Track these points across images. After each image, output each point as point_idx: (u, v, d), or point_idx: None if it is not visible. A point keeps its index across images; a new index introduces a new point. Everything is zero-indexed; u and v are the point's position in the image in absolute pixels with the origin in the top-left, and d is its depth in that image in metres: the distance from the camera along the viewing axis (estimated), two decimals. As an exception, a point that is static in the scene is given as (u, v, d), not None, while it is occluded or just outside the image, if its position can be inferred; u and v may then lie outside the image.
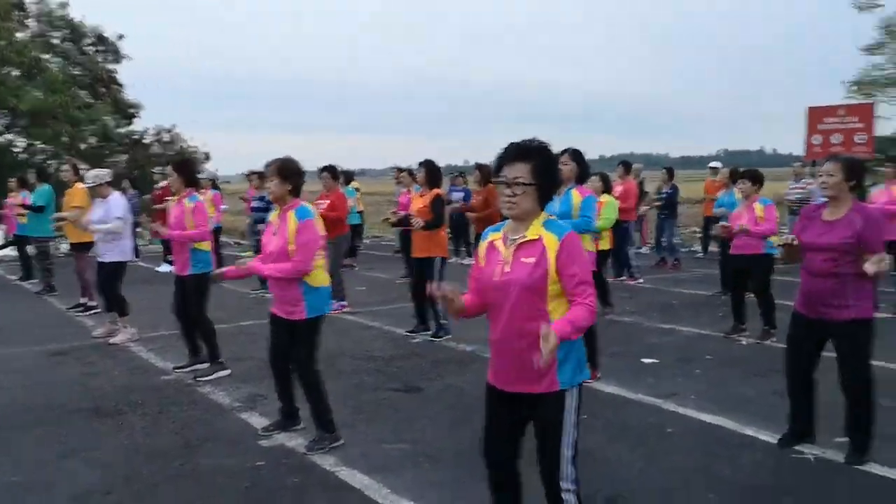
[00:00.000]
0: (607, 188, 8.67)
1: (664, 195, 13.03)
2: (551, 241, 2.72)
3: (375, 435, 4.72)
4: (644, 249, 15.03)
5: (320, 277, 4.50)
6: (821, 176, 4.26)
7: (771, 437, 4.55)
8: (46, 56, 23.10)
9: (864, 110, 13.88)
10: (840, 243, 4.09)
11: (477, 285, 2.93)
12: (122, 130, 24.78)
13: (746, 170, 7.11)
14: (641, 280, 11.19)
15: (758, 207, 6.93)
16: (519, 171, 2.72)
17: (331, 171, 8.97)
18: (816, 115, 14.08)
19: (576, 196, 5.76)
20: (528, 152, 2.73)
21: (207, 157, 26.58)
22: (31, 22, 23.36)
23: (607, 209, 8.39)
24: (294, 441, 4.58)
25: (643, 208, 13.87)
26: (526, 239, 2.76)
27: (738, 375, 5.95)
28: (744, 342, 7.15)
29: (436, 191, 7.40)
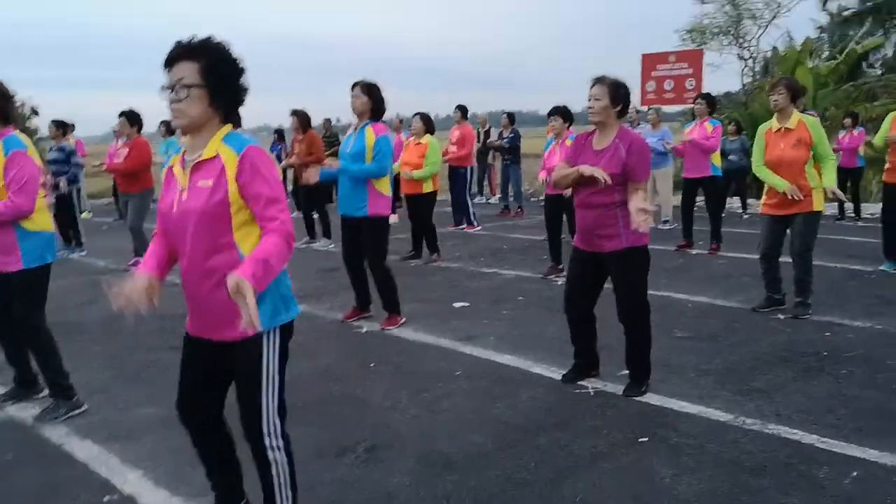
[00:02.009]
0: (430, 129, 8.36)
1: (506, 140, 12.92)
2: (230, 158, 2.29)
3: (129, 399, 4.23)
4: (494, 199, 15.00)
5: (41, 221, 3.85)
6: (588, 100, 4.04)
7: (559, 374, 4.42)
8: None
9: (694, 56, 14.29)
10: (605, 171, 3.90)
11: (160, 223, 2.49)
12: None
13: (556, 107, 6.97)
14: (479, 227, 11.06)
15: (568, 143, 6.86)
16: (184, 70, 2.27)
17: (128, 115, 8.13)
18: (649, 62, 14.36)
19: (370, 134, 5.37)
20: (194, 49, 2.27)
21: (35, 111, 24.40)
22: None
23: (431, 152, 8.14)
24: (28, 412, 4.02)
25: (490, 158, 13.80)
26: (202, 158, 2.33)
27: (545, 315, 5.83)
28: (559, 282, 7.09)
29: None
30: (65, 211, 9.20)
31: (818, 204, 5.49)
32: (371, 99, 5.38)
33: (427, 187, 8.25)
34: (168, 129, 11.69)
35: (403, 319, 5.66)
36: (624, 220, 3.97)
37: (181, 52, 2.27)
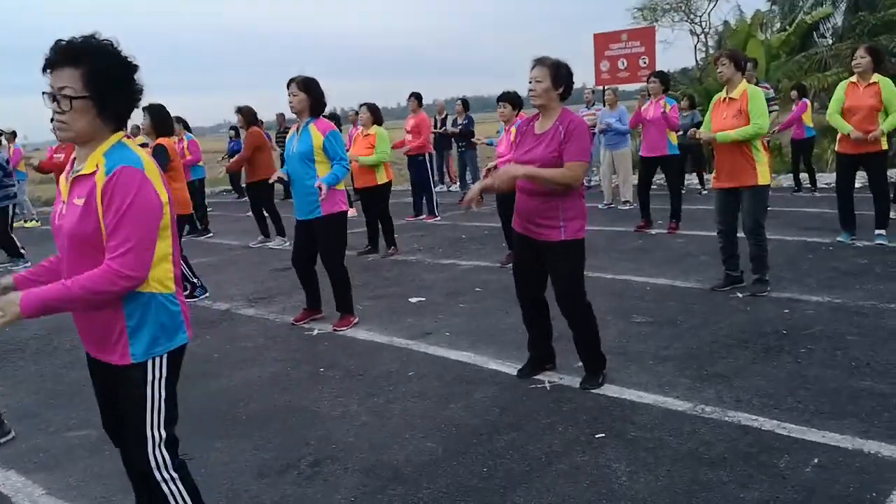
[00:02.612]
0: (377, 119, 8.14)
1: (460, 126, 12.74)
2: (101, 177, 2.05)
3: (61, 423, 3.99)
4: (455, 187, 14.83)
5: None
6: (529, 82, 3.86)
7: (516, 369, 4.27)
8: None
9: (646, 34, 14.20)
10: (544, 157, 3.74)
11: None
12: None
13: (504, 93, 6.80)
14: (438, 218, 10.88)
15: (513, 132, 6.75)
16: (65, 78, 2.03)
17: None
18: (602, 42, 14.24)
19: (315, 133, 5.14)
20: (75, 52, 2.03)
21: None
22: None
23: (379, 142, 7.94)
24: (-49, 443, 3.76)
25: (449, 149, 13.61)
26: (81, 172, 2.11)
27: (503, 306, 5.68)
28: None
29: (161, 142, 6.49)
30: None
31: (763, 178, 5.41)
32: (309, 95, 5.14)
33: (380, 179, 8.05)
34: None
35: (356, 319, 5.48)
36: (566, 212, 3.80)
37: (61, 57, 2.03)
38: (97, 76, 2.03)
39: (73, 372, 4.80)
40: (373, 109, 8.11)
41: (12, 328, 5.92)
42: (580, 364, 4.15)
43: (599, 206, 10.90)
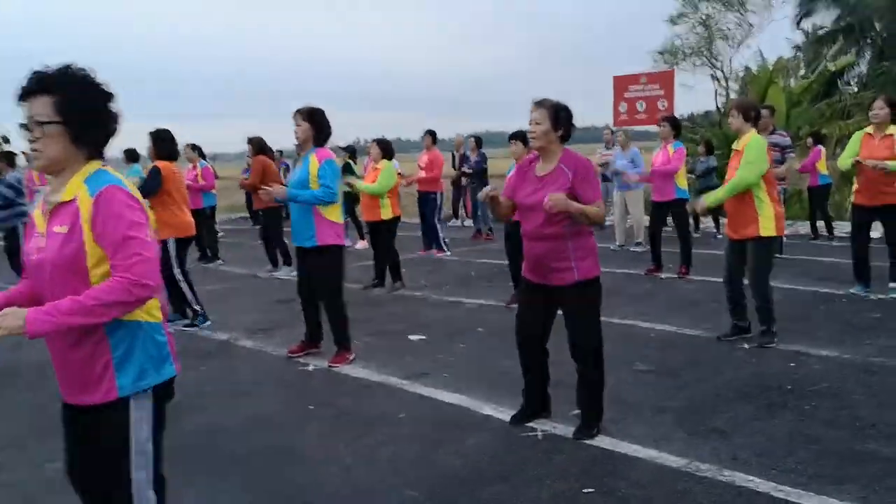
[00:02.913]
0: (387, 154, 8.16)
1: (471, 165, 12.77)
2: (85, 201, 2.04)
3: (46, 455, 3.91)
4: (469, 222, 14.80)
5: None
6: (529, 124, 3.82)
7: (510, 415, 4.17)
8: None
9: (665, 77, 14.21)
10: None
11: (25, 270, 2.24)
12: None
13: (516, 132, 6.78)
14: (449, 253, 10.83)
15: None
16: (38, 107, 2.03)
17: None
18: (621, 84, 14.27)
19: (313, 161, 5.14)
20: (49, 81, 2.02)
21: (6, 139, 24.05)
22: None
23: (383, 175, 7.97)
24: (-71, 470, 3.71)
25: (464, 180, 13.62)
26: (60, 201, 2.08)
27: (502, 348, 5.53)
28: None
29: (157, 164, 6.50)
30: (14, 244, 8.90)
31: (766, 229, 5.30)
32: (312, 125, 5.16)
33: (384, 214, 8.05)
34: (130, 156, 11.46)
35: (352, 356, 5.40)
36: (576, 252, 3.76)
37: (35, 86, 2.02)
38: (69, 103, 2.03)
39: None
40: (382, 145, 8.19)
41: (13, 354, 5.91)
42: (576, 412, 4.04)
43: (611, 248, 10.81)
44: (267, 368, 5.33)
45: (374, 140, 8.32)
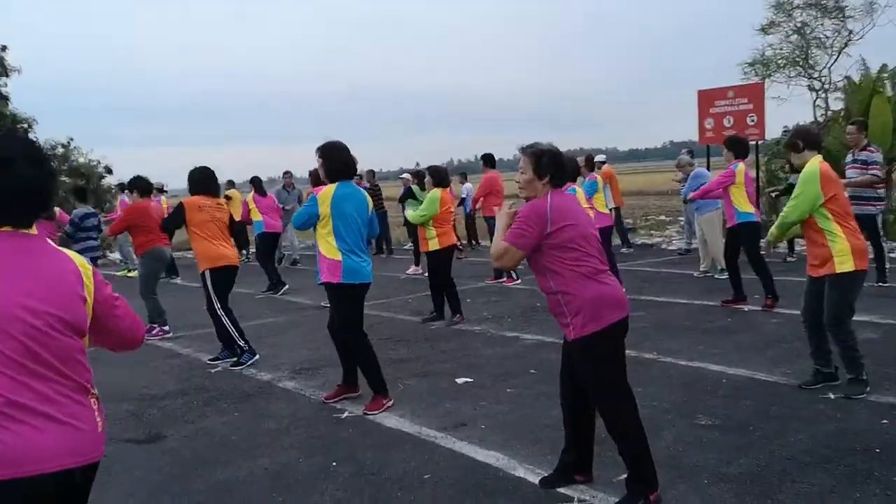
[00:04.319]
0: (439, 182, 7.90)
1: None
2: None
3: None
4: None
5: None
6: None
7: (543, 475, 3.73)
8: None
9: (754, 91, 13.29)
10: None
11: None
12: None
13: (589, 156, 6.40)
14: (519, 281, 10.40)
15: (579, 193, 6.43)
16: None
17: (129, 182, 8.35)
18: (706, 98, 13.44)
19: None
20: None
21: (108, 170, 25.28)
22: None
23: (425, 204, 7.80)
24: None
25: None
26: None
27: (552, 394, 5.06)
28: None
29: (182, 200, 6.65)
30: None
31: (842, 265, 4.65)
32: (324, 161, 5.04)
33: (432, 245, 7.79)
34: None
35: (389, 402, 5.07)
36: (567, 305, 3.36)
37: None
38: None
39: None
40: (433, 173, 7.97)
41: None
42: (620, 478, 3.56)
43: (694, 274, 10.13)
44: (300, 415, 5.06)
45: (428, 167, 8.09)
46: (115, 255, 16.83)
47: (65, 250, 2.05)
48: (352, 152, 5.12)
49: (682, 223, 14.01)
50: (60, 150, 24.91)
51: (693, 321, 7.23)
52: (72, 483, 1.94)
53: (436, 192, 7.78)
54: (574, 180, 6.54)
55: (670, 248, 13.70)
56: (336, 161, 5.01)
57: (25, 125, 24.14)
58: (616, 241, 12.65)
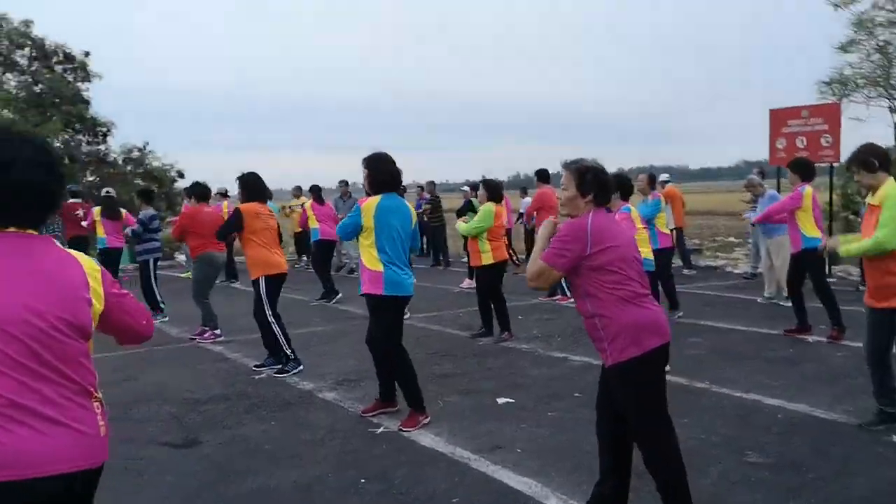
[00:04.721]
0: (493, 197, 7.80)
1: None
2: None
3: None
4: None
5: None
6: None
7: (578, 507, 3.58)
8: (8, 75, 22.83)
9: (830, 111, 12.73)
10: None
11: None
12: (90, 149, 24.36)
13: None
14: (572, 299, 10.16)
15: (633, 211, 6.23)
16: None
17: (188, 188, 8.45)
18: (779, 118, 12.96)
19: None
20: None
21: (181, 174, 26.03)
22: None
23: (478, 217, 7.70)
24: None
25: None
26: None
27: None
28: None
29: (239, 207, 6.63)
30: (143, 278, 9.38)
31: None
32: (369, 172, 5.00)
33: (485, 259, 7.67)
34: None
35: (425, 419, 4.97)
36: (605, 329, 3.21)
37: None
38: None
39: (129, 448, 4.63)
40: (488, 187, 7.88)
41: (110, 389, 6.00)
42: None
43: (759, 300, 9.72)
44: (336, 427, 5.01)
45: (482, 181, 8.01)
46: (181, 257, 17.26)
47: (73, 252, 2.04)
48: (397, 163, 5.08)
49: (750, 246, 13.51)
50: (136, 154, 25.87)
51: (752, 350, 6.91)
52: (72, 489, 1.91)
53: (490, 206, 7.68)
54: (627, 199, 6.30)
55: (736, 271, 13.22)
56: (382, 173, 4.98)
57: (105, 129, 25.18)
58: (677, 261, 12.25)
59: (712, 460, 4.19)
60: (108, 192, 10.93)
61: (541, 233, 3.43)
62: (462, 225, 7.84)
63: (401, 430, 4.86)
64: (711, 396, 5.47)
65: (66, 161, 23.35)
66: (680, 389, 5.58)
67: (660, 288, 7.60)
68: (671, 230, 10.52)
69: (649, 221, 8.21)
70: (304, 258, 15.74)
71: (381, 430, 4.93)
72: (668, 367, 5.88)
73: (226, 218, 7.41)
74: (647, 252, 6.25)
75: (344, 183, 14.33)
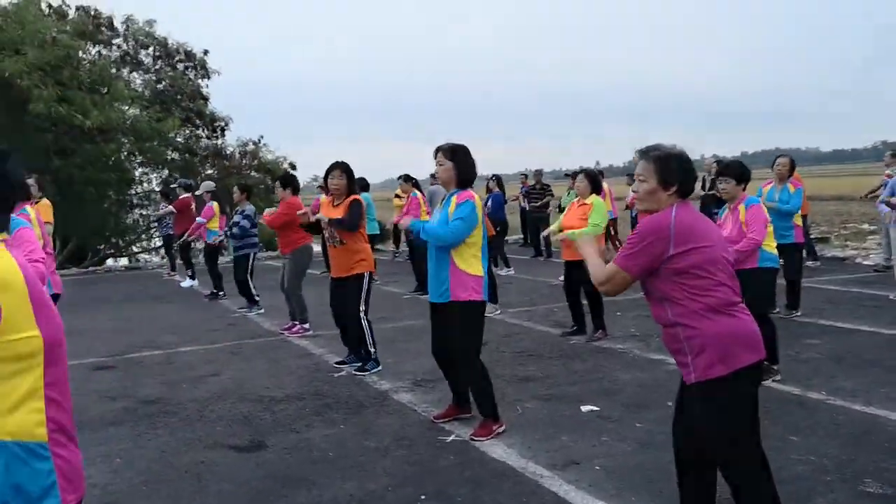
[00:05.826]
0: (595, 188, 7.23)
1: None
2: None
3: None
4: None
5: None
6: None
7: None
8: (134, 74, 24.13)
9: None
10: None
11: None
12: (208, 143, 25.43)
13: (728, 165, 5.57)
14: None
15: (742, 211, 5.50)
16: None
17: (281, 178, 8.35)
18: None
19: (453, 203, 4.62)
20: None
21: (293, 167, 26.67)
22: (118, 41, 24.12)
23: (593, 215, 7.04)
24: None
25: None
26: None
27: (688, 434, 4.45)
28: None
29: (352, 197, 6.22)
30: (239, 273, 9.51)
31: None
32: (455, 164, 4.59)
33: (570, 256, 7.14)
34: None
35: (500, 428, 4.63)
36: (689, 341, 2.78)
37: None
38: None
39: (192, 450, 4.57)
40: (591, 177, 7.20)
41: (190, 386, 6.03)
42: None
43: (890, 297, 8.74)
44: (405, 434, 4.76)
45: (582, 170, 7.46)
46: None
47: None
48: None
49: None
50: (251, 147, 26.78)
51: (878, 356, 6.14)
52: None
53: (600, 200, 7.13)
54: (744, 187, 5.53)
55: (866, 262, 12.05)
56: (470, 166, 4.66)
57: (223, 123, 26.18)
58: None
59: (822, 488, 3.65)
60: (211, 186, 11.20)
61: (587, 250, 3.03)
62: (576, 232, 6.60)
63: (471, 439, 4.55)
64: (826, 410, 4.84)
65: (187, 155, 24.55)
66: (791, 401, 5.00)
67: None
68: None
69: (790, 214, 7.48)
70: (396, 248, 15.71)
71: (451, 438, 4.63)
72: (778, 376, 5.35)
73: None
74: (771, 247, 5.57)
75: (433, 175, 14.01)
